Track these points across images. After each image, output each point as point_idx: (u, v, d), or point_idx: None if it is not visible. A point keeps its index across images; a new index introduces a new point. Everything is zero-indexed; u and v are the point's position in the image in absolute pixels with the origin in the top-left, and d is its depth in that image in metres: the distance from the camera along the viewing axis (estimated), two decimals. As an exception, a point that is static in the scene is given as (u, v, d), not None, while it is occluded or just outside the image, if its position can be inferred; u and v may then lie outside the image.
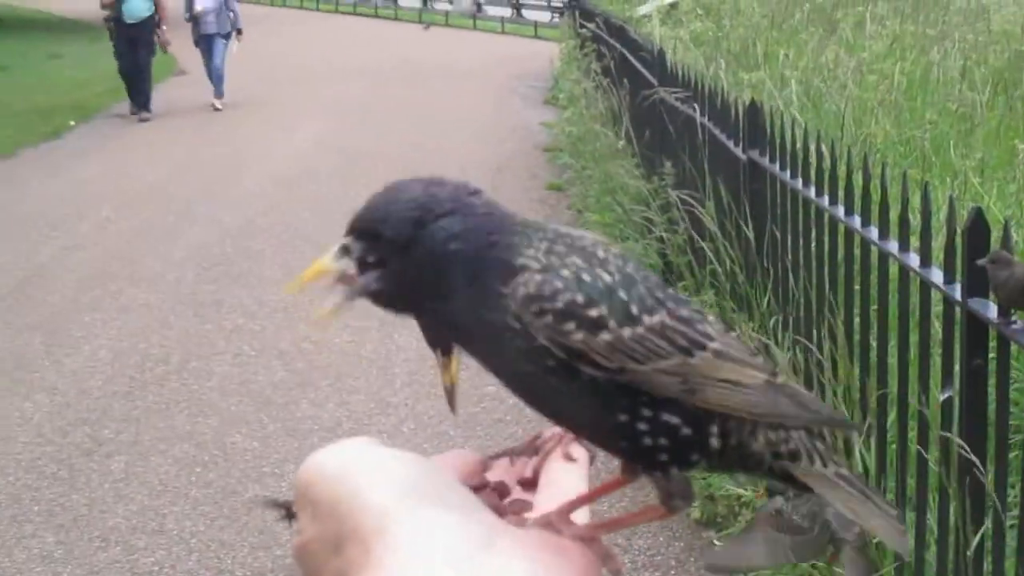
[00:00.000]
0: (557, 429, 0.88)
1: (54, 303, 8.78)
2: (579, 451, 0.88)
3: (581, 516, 0.80)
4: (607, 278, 0.79)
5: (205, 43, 18.12)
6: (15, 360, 7.64)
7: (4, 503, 5.78)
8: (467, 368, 0.92)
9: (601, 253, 0.81)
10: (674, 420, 0.78)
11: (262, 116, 17.36)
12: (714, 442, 0.79)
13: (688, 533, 5.30)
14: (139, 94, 17.54)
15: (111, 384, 7.16)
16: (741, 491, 4.97)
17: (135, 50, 17.16)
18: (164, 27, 17.33)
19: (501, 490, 0.87)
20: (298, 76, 21.58)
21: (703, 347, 0.80)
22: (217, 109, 18.10)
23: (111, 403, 6.87)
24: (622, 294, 0.79)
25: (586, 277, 0.79)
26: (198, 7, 17.90)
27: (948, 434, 3.57)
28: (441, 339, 0.92)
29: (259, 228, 10.78)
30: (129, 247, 10.34)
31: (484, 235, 0.81)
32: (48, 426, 6.62)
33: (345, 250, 0.83)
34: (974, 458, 3.40)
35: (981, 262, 3.25)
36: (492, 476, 0.90)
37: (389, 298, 0.82)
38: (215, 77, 18.28)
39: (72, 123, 16.68)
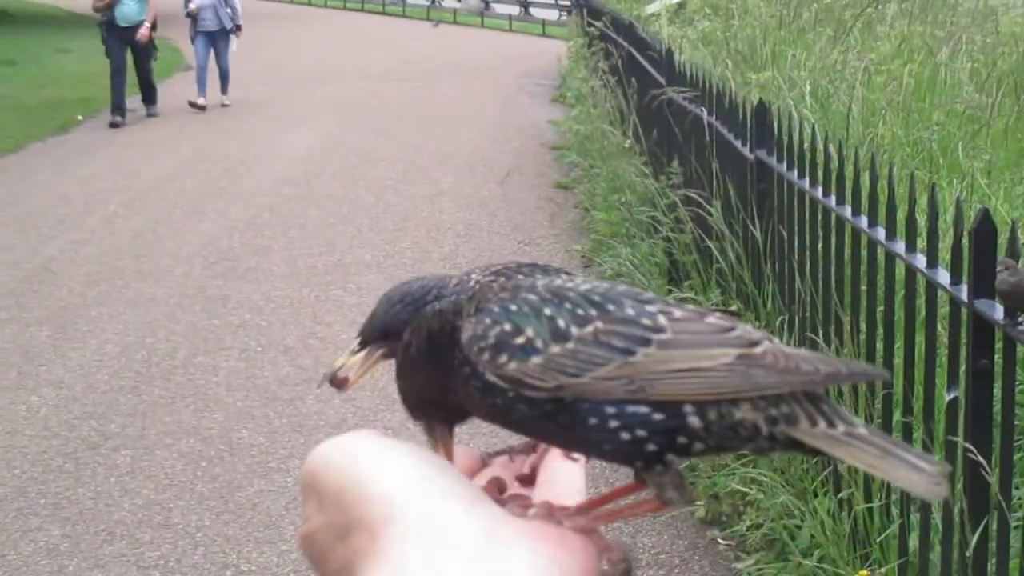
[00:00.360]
0: None
1: (61, 297, 8.80)
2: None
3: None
4: (533, 299, 0.81)
5: (203, 41, 17.79)
6: (22, 354, 7.66)
7: (10, 496, 5.80)
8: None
9: (540, 280, 0.83)
10: (642, 410, 0.78)
11: (269, 113, 17.38)
12: (693, 420, 0.79)
13: (692, 532, 5.30)
14: (146, 91, 17.27)
15: (118, 378, 7.17)
16: (746, 490, 4.98)
17: (132, 53, 16.73)
18: (149, 25, 16.64)
19: (500, 486, 0.87)
20: (304, 74, 21.60)
21: (647, 342, 0.79)
22: (225, 105, 17.97)
23: (117, 397, 6.88)
24: (548, 311, 0.80)
25: (512, 306, 0.81)
26: (193, 3, 17.61)
27: (955, 438, 3.58)
28: (436, 414, 0.93)
29: (266, 224, 10.79)
30: (136, 242, 10.36)
31: (451, 302, 0.86)
32: (55, 420, 6.63)
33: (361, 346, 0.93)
34: (980, 458, 3.40)
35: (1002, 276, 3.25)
36: (491, 473, 0.91)
37: (402, 369, 0.89)
38: (221, 75, 17.95)
39: (80, 117, 16.70)
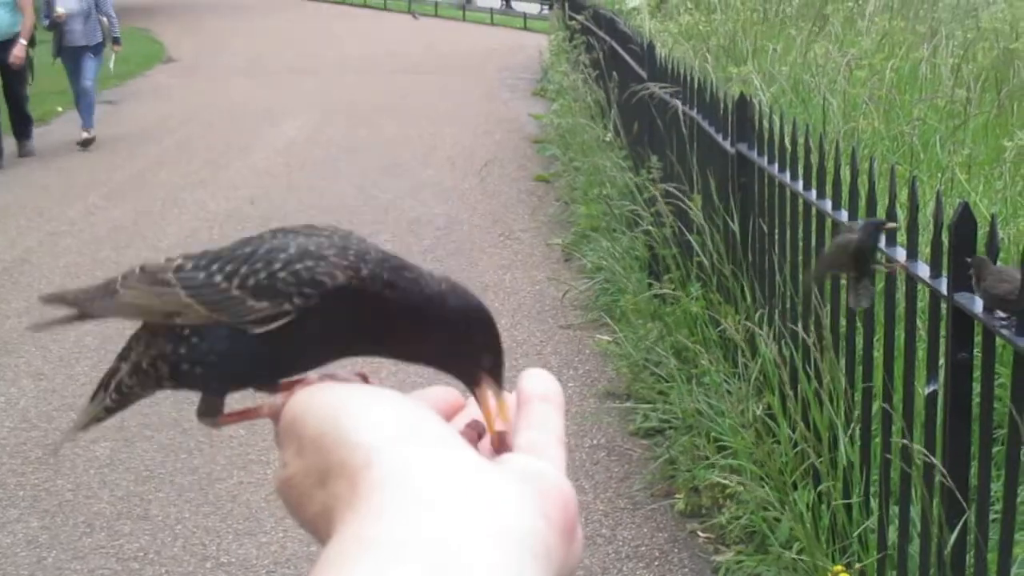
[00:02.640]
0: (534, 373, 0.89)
1: (40, 289, 8.76)
2: (553, 391, 0.88)
3: (558, 454, 0.81)
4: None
5: (70, 57, 14.04)
6: (1, 345, 7.64)
7: (-11, 488, 5.79)
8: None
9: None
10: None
11: (250, 106, 17.33)
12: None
13: (672, 524, 5.31)
14: (19, 123, 13.91)
15: (97, 370, 7.14)
16: (726, 482, 4.99)
17: (2, 76, 13.61)
18: (25, 43, 13.35)
19: (479, 429, 0.88)
20: (286, 67, 21.57)
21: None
22: (85, 143, 14.12)
23: (97, 389, 6.85)
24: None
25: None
26: (60, 8, 13.65)
27: (930, 449, 3.59)
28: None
29: (247, 216, 10.77)
30: (116, 234, 10.33)
31: None
32: (34, 411, 6.62)
33: None
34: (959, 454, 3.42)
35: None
36: (470, 413, 0.92)
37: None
38: (83, 103, 14.18)
39: (59, 109, 16.64)
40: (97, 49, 14.13)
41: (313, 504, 0.77)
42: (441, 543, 0.67)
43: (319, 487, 0.76)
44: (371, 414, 0.77)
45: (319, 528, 0.77)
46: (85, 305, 1.01)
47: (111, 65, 15.14)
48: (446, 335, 0.90)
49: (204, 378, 0.92)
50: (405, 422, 0.76)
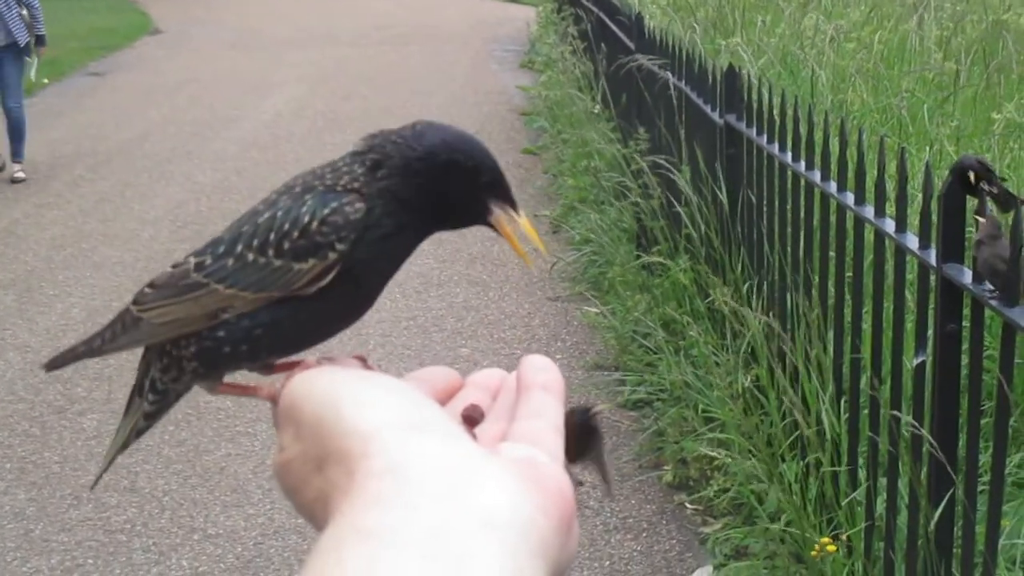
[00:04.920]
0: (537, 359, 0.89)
1: (27, 261, 8.75)
2: (554, 380, 0.87)
3: (556, 445, 0.81)
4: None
5: None
6: (-13, 317, 7.62)
7: (-24, 460, 5.78)
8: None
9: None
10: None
11: (238, 79, 17.25)
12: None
13: (660, 496, 5.32)
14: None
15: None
16: (714, 454, 4.99)
17: None
18: None
19: (475, 415, 0.87)
20: (275, 39, 21.46)
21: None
22: (16, 181, 11.10)
23: (84, 361, 6.80)
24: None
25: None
26: None
27: (916, 422, 3.59)
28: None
29: (234, 187, 10.75)
30: (102, 206, 10.30)
31: None
32: (20, 384, 6.60)
33: None
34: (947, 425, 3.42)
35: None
36: (467, 396, 0.91)
37: None
38: (12, 125, 11.24)
39: (46, 81, 16.57)
40: (17, 52, 11.17)
41: (310, 489, 0.77)
42: (437, 534, 0.66)
43: (316, 473, 0.77)
44: (369, 401, 0.77)
45: (315, 513, 0.77)
46: (104, 351, 1.01)
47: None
48: (447, 177, 0.91)
49: (249, 354, 0.92)
50: (403, 410, 0.76)
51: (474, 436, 0.80)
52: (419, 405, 0.78)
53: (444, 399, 0.89)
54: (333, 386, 0.80)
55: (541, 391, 0.85)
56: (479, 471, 0.72)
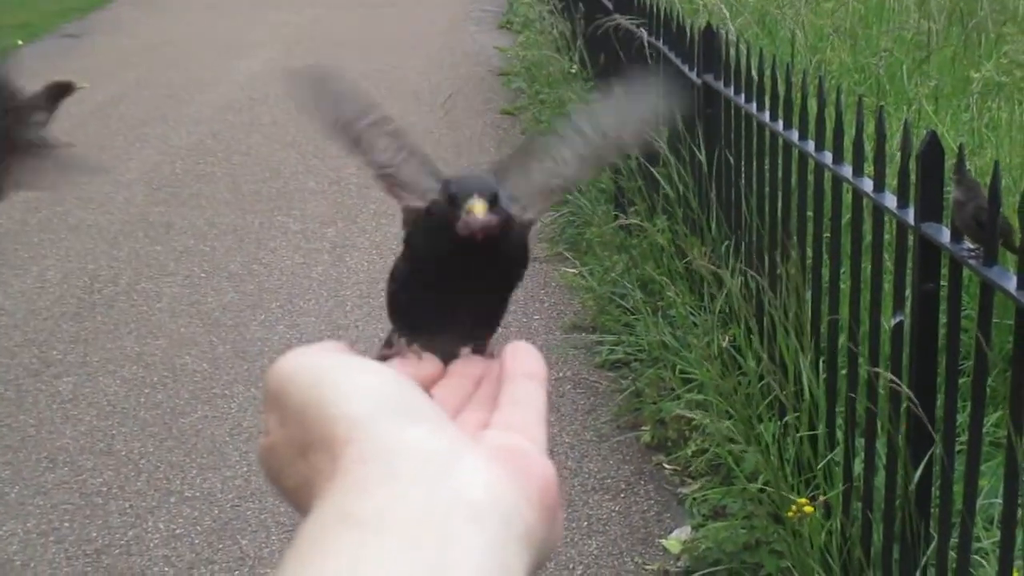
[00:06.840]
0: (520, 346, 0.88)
1: (1, 224, 8.70)
2: (537, 367, 0.87)
3: (540, 433, 0.80)
4: None
5: None
6: (-39, 280, 7.58)
7: (-50, 423, 5.75)
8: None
9: None
10: None
11: (211, 42, 17.14)
12: None
13: (638, 457, 5.32)
14: None
15: (59, 305, 7.10)
16: (691, 415, 4.99)
17: None
18: None
19: (459, 400, 0.88)
20: (249, 1, 21.35)
21: None
22: None
23: (59, 324, 6.82)
24: None
25: None
26: None
27: (895, 381, 3.59)
28: None
29: (209, 150, 10.69)
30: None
31: None
32: (-5, 347, 6.57)
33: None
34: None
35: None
36: (449, 383, 0.92)
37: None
38: None
39: (20, 43, 16.46)
40: None
41: (294, 475, 0.78)
42: (421, 520, 0.67)
43: (300, 458, 0.76)
44: (354, 387, 0.76)
45: (299, 499, 0.77)
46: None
47: None
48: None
49: None
50: (388, 396, 0.76)
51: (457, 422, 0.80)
52: (404, 392, 0.77)
53: (427, 386, 0.89)
54: (317, 371, 0.79)
55: (524, 378, 0.85)
56: (464, 458, 0.72)
